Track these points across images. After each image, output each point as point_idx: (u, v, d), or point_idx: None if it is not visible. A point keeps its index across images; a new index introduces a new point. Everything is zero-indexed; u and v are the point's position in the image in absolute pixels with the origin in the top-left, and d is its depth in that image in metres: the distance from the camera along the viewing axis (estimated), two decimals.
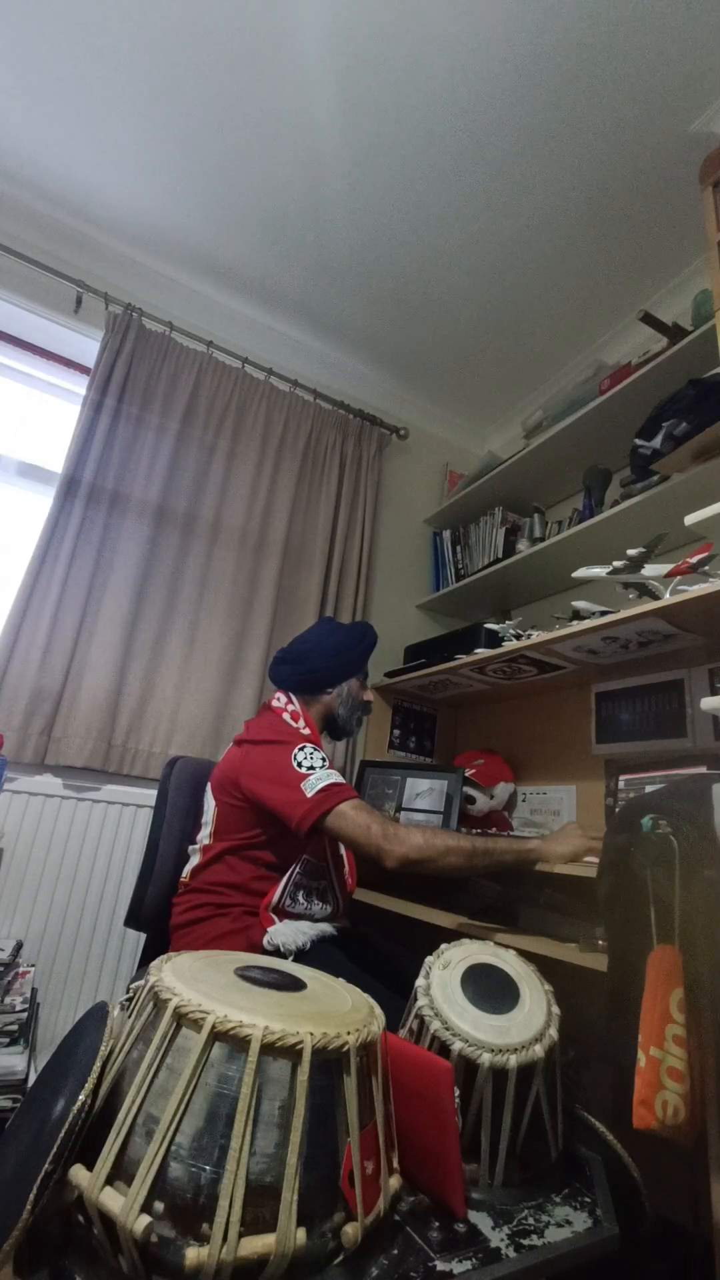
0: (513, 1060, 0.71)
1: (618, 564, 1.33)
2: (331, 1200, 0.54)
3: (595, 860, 1.00)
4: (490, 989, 0.80)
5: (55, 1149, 0.51)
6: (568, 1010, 0.81)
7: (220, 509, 2.04)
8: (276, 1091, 0.54)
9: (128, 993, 0.71)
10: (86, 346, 2.03)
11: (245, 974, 0.67)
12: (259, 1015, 0.56)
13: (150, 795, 1.49)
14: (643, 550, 1.32)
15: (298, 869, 1.20)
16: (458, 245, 1.90)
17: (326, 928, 1.18)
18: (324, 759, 1.19)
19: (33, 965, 1.50)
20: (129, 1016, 0.64)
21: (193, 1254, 0.48)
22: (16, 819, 1.61)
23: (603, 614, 1.42)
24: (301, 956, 1.08)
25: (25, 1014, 1.24)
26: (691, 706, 1.46)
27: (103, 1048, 0.60)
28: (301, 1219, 0.51)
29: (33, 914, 1.58)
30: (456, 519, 2.45)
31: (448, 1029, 0.74)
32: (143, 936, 1.41)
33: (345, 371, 2.45)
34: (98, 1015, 0.66)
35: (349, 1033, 0.58)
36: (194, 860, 1.25)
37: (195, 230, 1.96)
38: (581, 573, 1.40)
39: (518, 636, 1.65)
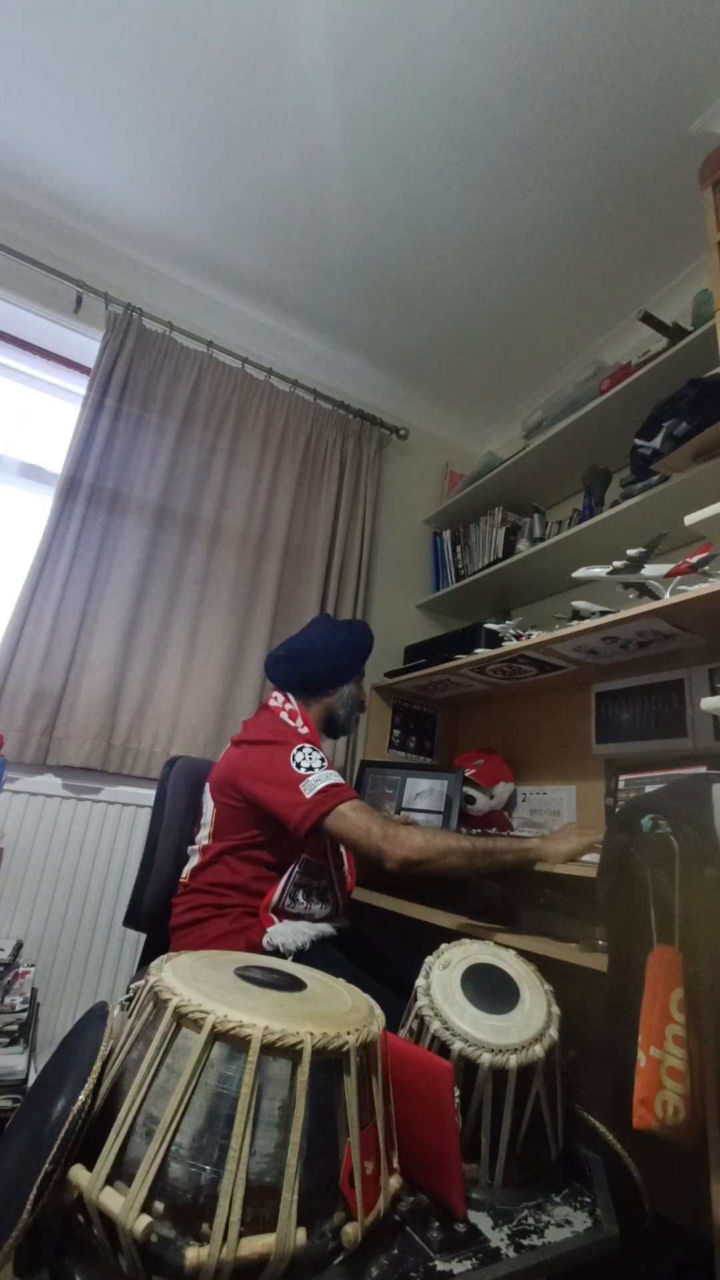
0: (513, 1060, 0.71)
1: (618, 564, 1.33)
2: (331, 1200, 0.54)
3: (595, 859, 1.00)
4: (490, 989, 0.80)
5: (55, 1149, 0.51)
6: (568, 1010, 0.81)
7: (220, 509, 2.04)
8: (276, 1091, 0.54)
9: (128, 993, 0.71)
10: (86, 346, 2.03)
11: (245, 974, 0.67)
12: (259, 1015, 0.56)
13: (151, 795, 1.49)
14: (643, 550, 1.32)
15: (297, 869, 1.20)
16: (458, 245, 1.90)
17: (326, 928, 1.18)
18: (323, 759, 1.19)
19: (33, 965, 1.50)
20: (129, 1016, 0.64)
21: (193, 1254, 0.48)
22: (16, 819, 1.61)
23: (603, 614, 1.42)
24: (301, 956, 1.08)
25: (25, 1014, 1.24)
26: (691, 706, 1.46)
27: (103, 1048, 0.60)
28: (301, 1219, 0.51)
29: (33, 914, 1.58)
30: (456, 519, 2.45)
31: (448, 1029, 0.74)
32: (143, 936, 1.41)
33: (345, 371, 2.45)
34: (98, 1015, 0.66)
35: (349, 1033, 0.58)
36: (193, 861, 1.25)
37: (195, 230, 1.96)
38: (581, 573, 1.40)
39: (518, 636, 1.65)
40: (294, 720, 1.29)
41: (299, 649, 1.42)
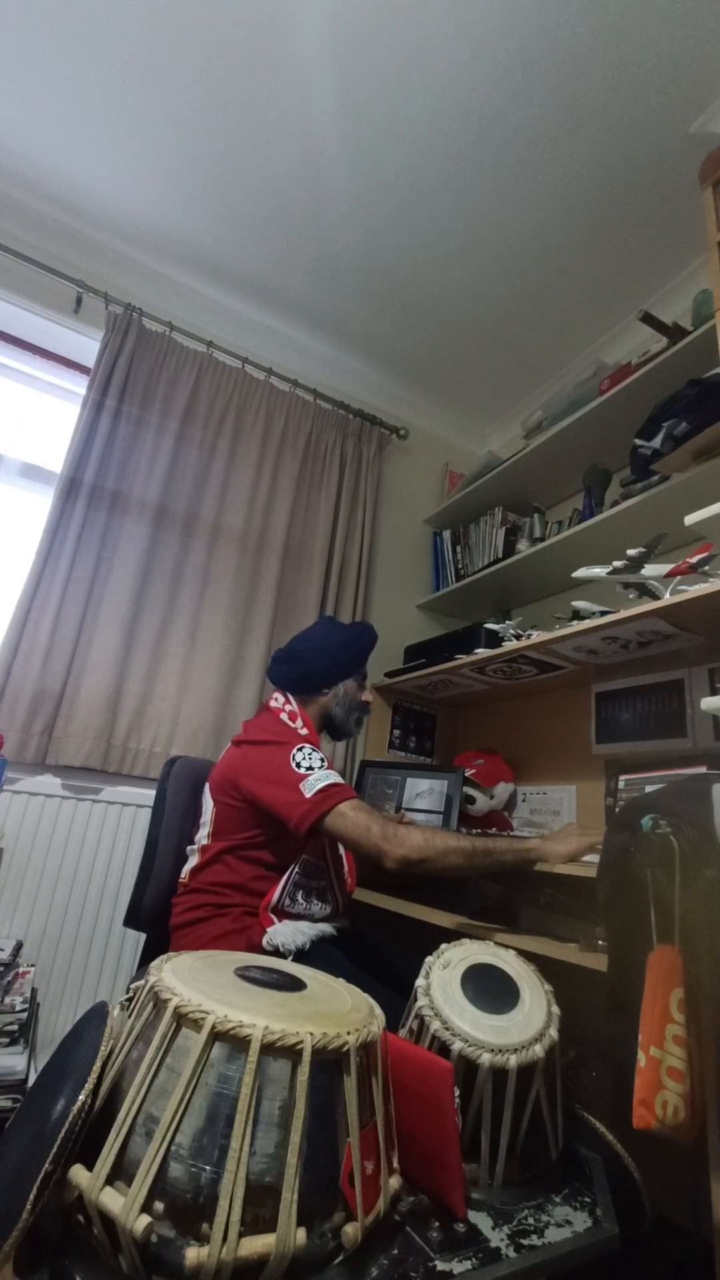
0: (513, 1060, 0.71)
1: (618, 564, 1.33)
2: (331, 1200, 0.54)
3: (595, 859, 1.00)
4: (490, 989, 0.80)
5: (55, 1149, 0.51)
6: (568, 1010, 0.81)
7: (220, 509, 2.04)
8: (276, 1091, 0.54)
9: (128, 993, 0.71)
10: (86, 346, 2.03)
11: (245, 974, 0.67)
12: (259, 1015, 0.56)
13: (151, 795, 1.49)
14: (643, 550, 1.32)
15: (297, 869, 1.20)
16: (458, 245, 1.90)
17: (326, 928, 1.18)
18: (322, 759, 1.19)
19: (33, 965, 1.50)
20: (129, 1016, 0.64)
21: (193, 1254, 0.48)
22: (16, 819, 1.60)
23: (603, 614, 1.42)
24: (301, 956, 1.08)
25: (25, 1014, 1.24)
26: (691, 706, 1.46)
27: (103, 1048, 0.60)
28: (301, 1219, 0.51)
29: (33, 914, 1.58)
30: (456, 519, 2.45)
31: (448, 1029, 0.74)
32: (143, 936, 1.41)
33: (345, 371, 2.45)
34: (98, 1015, 0.66)
35: (349, 1033, 0.58)
36: (193, 860, 1.25)
37: (195, 230, 1.96)
38: (581, 573, 1.40)
39: (518, 636, 1.65)
40: (294, 721, 1.29)
41: (296, 648, 1.43)
